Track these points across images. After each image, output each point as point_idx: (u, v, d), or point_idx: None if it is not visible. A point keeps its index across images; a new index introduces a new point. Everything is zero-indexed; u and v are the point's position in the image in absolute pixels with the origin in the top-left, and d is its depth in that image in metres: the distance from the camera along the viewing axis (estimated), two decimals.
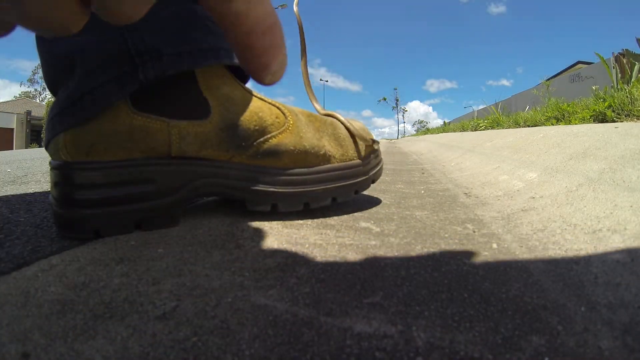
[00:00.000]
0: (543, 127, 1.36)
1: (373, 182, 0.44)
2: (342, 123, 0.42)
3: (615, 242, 0.27)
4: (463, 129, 4.43)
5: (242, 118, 0.34)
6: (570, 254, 0.27)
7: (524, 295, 0.21)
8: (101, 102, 0.28)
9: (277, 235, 0.32)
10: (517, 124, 2.60)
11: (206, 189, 0.34)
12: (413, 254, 0.28)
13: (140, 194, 0.30)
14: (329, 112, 0.44)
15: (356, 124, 0.43)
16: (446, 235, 0.33)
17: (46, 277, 0.22)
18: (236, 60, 0.34)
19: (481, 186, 0.61)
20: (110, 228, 0.29)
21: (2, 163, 1.15)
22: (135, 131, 0.30)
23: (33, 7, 0.10)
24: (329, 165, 0.39)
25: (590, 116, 1.58)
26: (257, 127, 0.34)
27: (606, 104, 1.55)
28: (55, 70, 0.32)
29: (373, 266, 0.26)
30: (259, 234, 0.32)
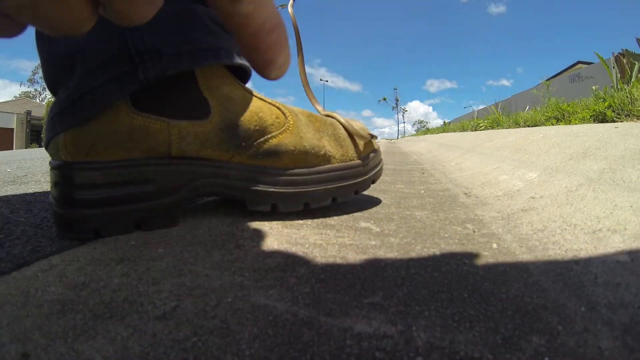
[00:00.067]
0: (543, 127, 1.36)
1: (373, 182, 0.44)
2: (341, 123, 0.42)
3: (615, 242, 0.27)
4: (463, 129, 4.43)
5: (242, 118, 0.34)
6: (570, 254, 0.27)
7: (524, 295, 0.21)
8: (101, 102, 0.28)
9: (277, 235, 0.32)
10: (517, 124, 2.60)
11: (206, 189, 0.34)
12: (413, 254, 0.28)
13: (140, 194, 0.30)
14: (329, 112, 0.44)
15: (356, 124, 0.43)
16: (446, 235, 0.33)
17: (46, 277, 0.22)
18: (236, 60, 0.34)
19: (481, 186, 0.61)
20: (110, 228, 0.29)
21: (2, 163, 1.15)
22: (135, 131, 0.30)
23: (46, 9, 0.11)
24: (329, 166, 0.39)
25: (590, 116, 1.58)
26: (257, 127, 0.34)
27: (606, 104, 1.55)
28: (55, 70, 0.32)
29: (373, 266, 0.26)
30: (259, 234, 0.32)
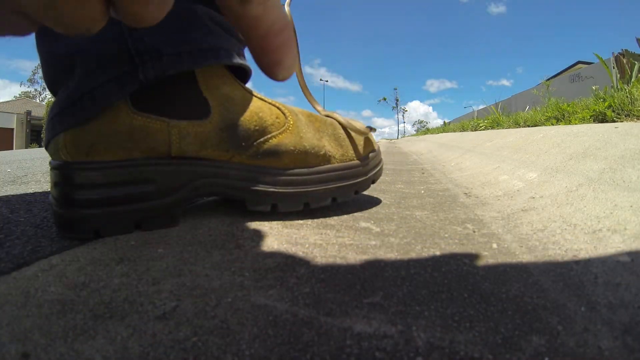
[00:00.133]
0: (543, 127, 1.36)
1: (373, 182, 0.44)
2: (339, 122, 0.42)
3: (615, 242, 0.27)
4: (463, 129, 4.43)
5: (242, 118, 0.34)
6: (570, 254, 0.27)
7: (524, 295, 0.21)
8: (101, 102, 0.28)
9: (277, 235, 0.32)
10: (517, 124, 2.60)
11: (206, 189, 0.34)
12: (413, 254, 0.28)
13: (140, 194, 0.30)
14: (329, 112, 0.44)
15: (356, 124, 0.43)
16: (446, 235, 0.33)
17: (46, 277, 0.22)
18: (236, 60, 0.34)
19: (481, 186, 0.61)
20: (110, 228, 0.29)
21: (2, 163, 1.15)
22: (135, 131, 0.30)
23: (64, 8, 0.11)
24: (329, 166, 0.39)
25: (590, 116, 1.58)
26: (257, 127, 0.34)
27: (606, 104, 1.55)
28: (55, 70, 0.32)
29: (373, 266, 0.26)
30: (259, 234, 0.32)
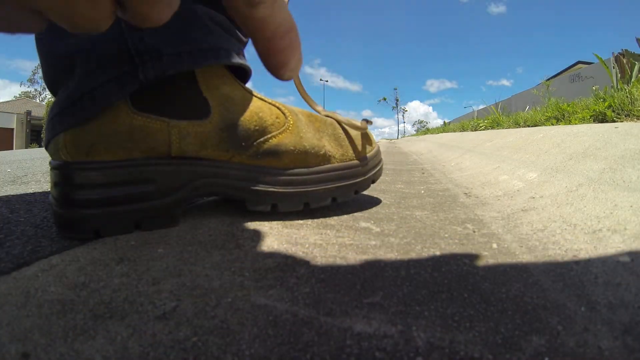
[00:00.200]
0: (543, 127, 1.36)
1: (373, 182, 0.44)
2: (338, 120, 0.42)
3: (615, 242, 0.27)
4: (463, 129, 4.43)
5: (242, 118, 0.34)
6: (570, 254, 0.27)
7: (524, 295, 0.21)
8: (101, 102, 0.28)
9: (277, 235, 0.32)
10: (517, 124, 2.60)
11: (206, 189, 0.34)
12: (413, 254, 0.28)
13: (140, 194, 0.30)
14: (329, 112, 0.44)
15: (354, 122, 0.43)
16: (446, 235, 0.33)
17: (46, 277, 0.22)
18: (236, 60, 0.34)
19: (481, 186, 0.61)
20: (110, 228, 0.29)
21: (2, 163, 1.15)
22: (135, 131, 0.30)
23: (76, 6, 0.11)
24: (329, 166, 0.39)
25: (590, 116, 1.58)
26: (257, 127, 0.34)
27: (606, 104, 1.55)
28: (55, 70, 0.32)
29: (373, 266, 0.26)
30: (259, 234, 0.32)
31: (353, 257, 0.27)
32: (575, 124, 1.49)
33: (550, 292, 0.22)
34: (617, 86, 2.14)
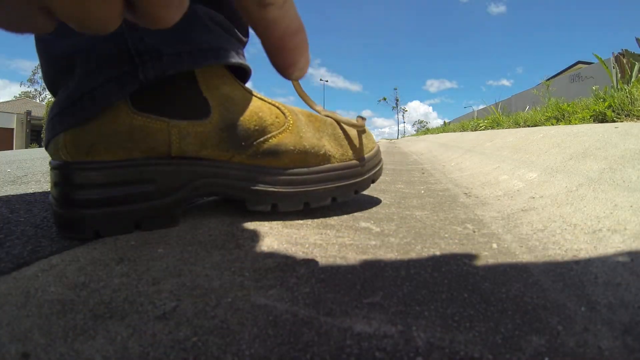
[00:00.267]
0: (543, 127, 1.36)
1: (373, 182, 0.44)
2: (337, 120, 0.42)
3: (615, 242, 0.27)
4: (463, 129, 4.43)
5: (242, 118, 0.34)
6: (570, 254, 0.27)
7: (524, 295, 0.21)
8: (101, 102, 0.28)
9: (277, 235, 0.32)
10: (517, 124, 2.60)
11: (206, 189, 0.34)
12: (413, 254, 0.28)
13: (140, 194, 0.30)
14: (329, 112, 0.44)
15: (352, 120, 0.43)
16: (446, 235, 0.33)
17: (46, 277, 0.22)
18: (236, 60, 0.34)
19: (481, 186, 0.61)
20: (110, 228, 0.29)
21: (2, 163, 1.15)
22: (135, 131, 0.30)
23: (88, 5, 0.11)
24: (328, 165, 0.39)
25: (590, 116, 1.58)
26: (257, 127, 0.35)
27: (606, 104, 1.55)
28: (55, 70, 0.32)
29: (373, 266, 0.26)
30: (259, 234, 0.32)
31: (353, 257, 0.27)
32: (575, 124, 1.49)
33: (550, 292, 0.22)
34: (617, 86, 2.14)
